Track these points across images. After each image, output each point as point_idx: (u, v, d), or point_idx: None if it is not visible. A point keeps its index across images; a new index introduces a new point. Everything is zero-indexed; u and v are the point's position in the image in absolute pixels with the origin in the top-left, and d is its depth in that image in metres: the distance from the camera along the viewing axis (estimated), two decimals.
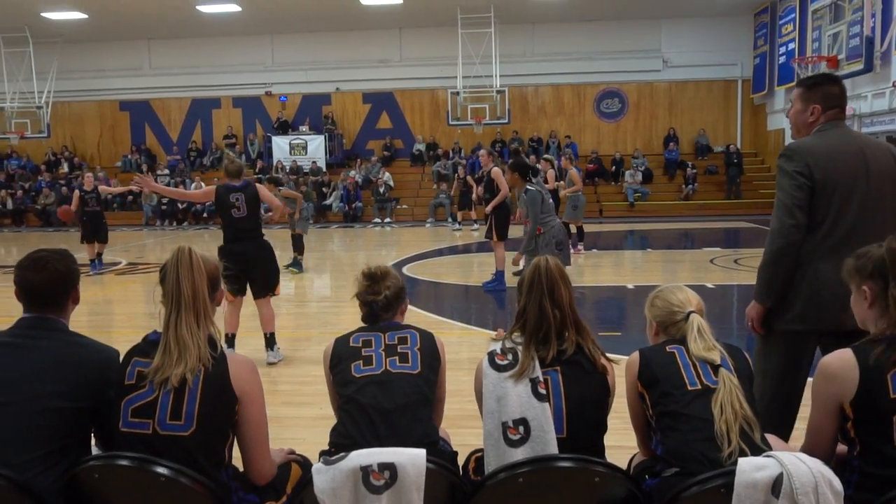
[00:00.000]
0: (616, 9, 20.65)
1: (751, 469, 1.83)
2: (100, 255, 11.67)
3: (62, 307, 2.31)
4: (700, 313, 2.30)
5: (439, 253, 13.34)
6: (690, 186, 20.80)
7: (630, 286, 9.20)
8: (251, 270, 5.68)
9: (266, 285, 5.82)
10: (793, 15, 18.42)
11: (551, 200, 7.06)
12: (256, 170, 22.39)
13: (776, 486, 1.80)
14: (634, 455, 2.49)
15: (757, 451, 2.01)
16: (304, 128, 22.93)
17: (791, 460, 1.83)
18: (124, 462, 2.01)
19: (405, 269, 10.96)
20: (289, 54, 23.10)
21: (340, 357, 2.41)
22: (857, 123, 16.53)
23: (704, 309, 2.35)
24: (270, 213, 5.86)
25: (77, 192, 11.64)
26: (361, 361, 2.36)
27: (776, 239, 2.85)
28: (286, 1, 19.16)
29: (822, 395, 2.13)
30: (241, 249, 5.61)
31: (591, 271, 10.90)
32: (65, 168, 23.40)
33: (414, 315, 7.22)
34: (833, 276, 2.67)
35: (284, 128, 23.16)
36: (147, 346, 2.16)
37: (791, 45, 18.44)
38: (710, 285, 9.01)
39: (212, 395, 2.09)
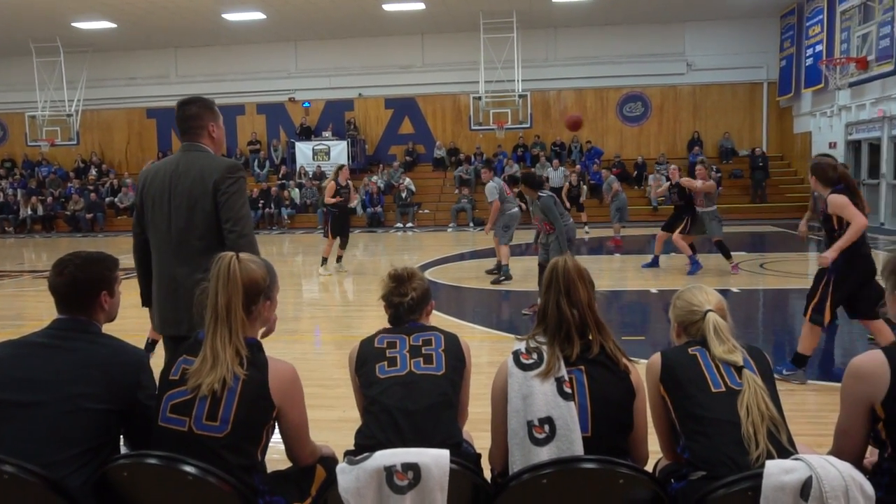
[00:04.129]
0: (639, 12, 20.53)
1: (779, 472, 1.81)
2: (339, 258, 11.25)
3: (90, 310, 2.33)
4: (720, 312, 2.28)
5: (461, 257, 13.35)
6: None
7: (654, 290, 9.13)
8: None
9: None
10: (820, 16, 18.17)
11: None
12: (280, 175, 22.64)
13: (805, 489, 1.77)
14: (659, 459, 2.47)
15: (784, 453, 1.98)
16: (326, 133, 23.10)
17: (820, 463, 1.80)
18: (152, 461, 2.03)
19: (427, 274, 10.98)
20: (312, 61, 23.31)
21: (366, 358, 2.42)
22: (887, 126, 16.27)
23: (726, 308, 2.32)
24: None
25: (333, 184, 10.69)
26: (386, 363, 2.37)
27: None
28: (310, 8, 19.33)
29: (852, 395, 2.10)
30: None
31: (614, 275, 10.83)
32: (93, 174, 23.82)
33: (436, 319, 7.22)
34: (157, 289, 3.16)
35: (307, 134, 23.36)
36: (196, 345, 2.19)
37: (819, 47, 18.18)
38: (735, 290, 8.91)
39: (249, 402, 2.12)
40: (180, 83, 23.68)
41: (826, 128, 19.27)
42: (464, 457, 2.21)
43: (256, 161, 23.43)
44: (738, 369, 2.14)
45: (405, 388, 2.30)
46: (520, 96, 20.32)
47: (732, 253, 10.41)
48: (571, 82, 22.47)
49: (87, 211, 21.83)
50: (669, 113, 22.60)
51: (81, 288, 2.30)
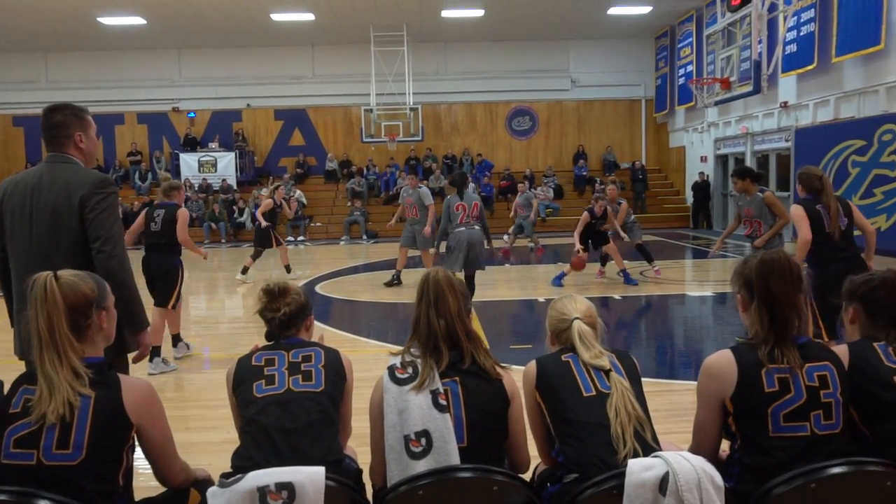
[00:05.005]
0: (526, 30, 21.23)
1: (640, 469, 1.91)
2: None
3: None
4: (588, 320, 2.37)
5: (354, 270, 13.25)
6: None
7: (541, 299, 9.40)
8: (155, 281, 6.43)
9: (160, 297, 6.40)
10: (690, 39, 19.46)
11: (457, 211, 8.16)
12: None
13: (663, 484, 1.88)
14: (538, 464, 2.54)
15: (649, 450, 2.09)
16: (213, 144, 22.34)
17: (676, 459, 1.92)
18: (2, 497, 1.89)
19: (318, 288, 10.82)
20: (197, 69, 22.52)
21: (243, 377, 2.36)
22: (749, 142, 17.61)
23: (596, 315, 2.42)
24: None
25: (270, 201, 11.53)
26: (264, 381, 2.32)
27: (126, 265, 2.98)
28: (193, 14, 18.68)
29: (706, 392, 2.25)
30: (149, 259, 6.49)
31: (503, 285, 11.07)
32: None
33: (328, 334, 7.13)
34: (17, 311, 2.95)
35: (193, 145, 22.49)
36: (34, 374, 2.04)
37: (689, 68, 19.45)
38: (617, 297, 9.33)
39: (103, 423, 2.00)
40: (51, 89, 22.20)
41: (698, 143, 20.63)
42: (344, 473, 2.19)
43: (138, 173, 22.30)
44: (607, 373, 2.24)
45: (282, 406, 2.25)
46: (411, 109, 20.51)
47: (614, 262, 10.89)
48: (462, 96, 22.91)
49: None
50: (556, 127, 23.46)
51: None
